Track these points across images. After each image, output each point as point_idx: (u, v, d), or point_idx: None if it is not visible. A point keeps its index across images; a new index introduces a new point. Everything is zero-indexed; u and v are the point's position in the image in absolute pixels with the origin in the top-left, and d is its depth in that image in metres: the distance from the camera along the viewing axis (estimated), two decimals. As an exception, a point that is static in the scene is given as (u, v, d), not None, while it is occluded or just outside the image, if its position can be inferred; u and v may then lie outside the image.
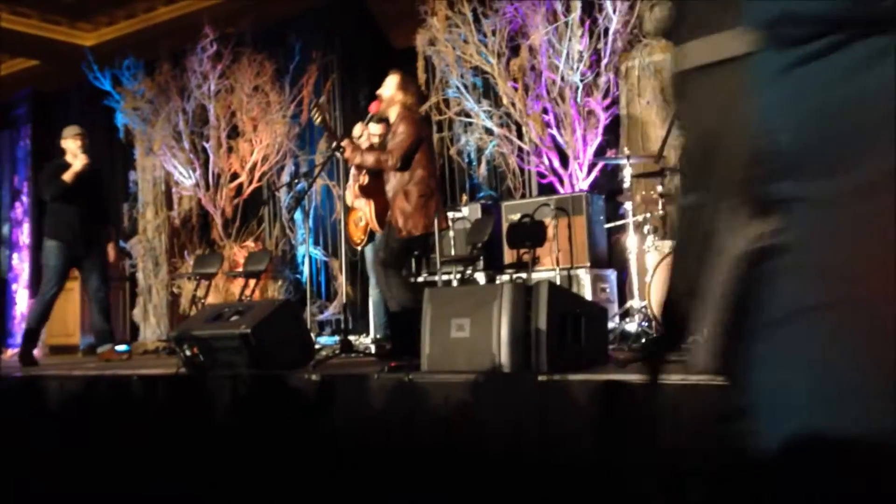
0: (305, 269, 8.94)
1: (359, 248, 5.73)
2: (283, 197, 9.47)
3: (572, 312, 3.56)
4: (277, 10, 9.34)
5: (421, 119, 5.09)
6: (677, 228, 3.89)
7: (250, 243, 9.35)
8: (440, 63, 7.78)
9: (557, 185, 7.28)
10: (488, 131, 7.75)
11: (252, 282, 7.42)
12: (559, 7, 7.17)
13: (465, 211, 7.22)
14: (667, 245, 5.54)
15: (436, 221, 4.96)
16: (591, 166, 7.17)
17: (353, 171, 5.22)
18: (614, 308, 6.49)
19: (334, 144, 5.23)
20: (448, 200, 8.09)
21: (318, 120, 5.19)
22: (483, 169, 7.97)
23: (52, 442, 4.57)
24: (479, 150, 7.92)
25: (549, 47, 7.21)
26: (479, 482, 3.12)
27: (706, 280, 1.36)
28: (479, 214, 7.06)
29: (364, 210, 5.50)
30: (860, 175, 1.03)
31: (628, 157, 6.18)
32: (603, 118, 7.19)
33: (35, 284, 11.48)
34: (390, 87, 5.07)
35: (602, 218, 6.82)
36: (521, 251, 6.23)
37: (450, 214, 6.13)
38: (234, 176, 9.37)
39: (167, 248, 9.67)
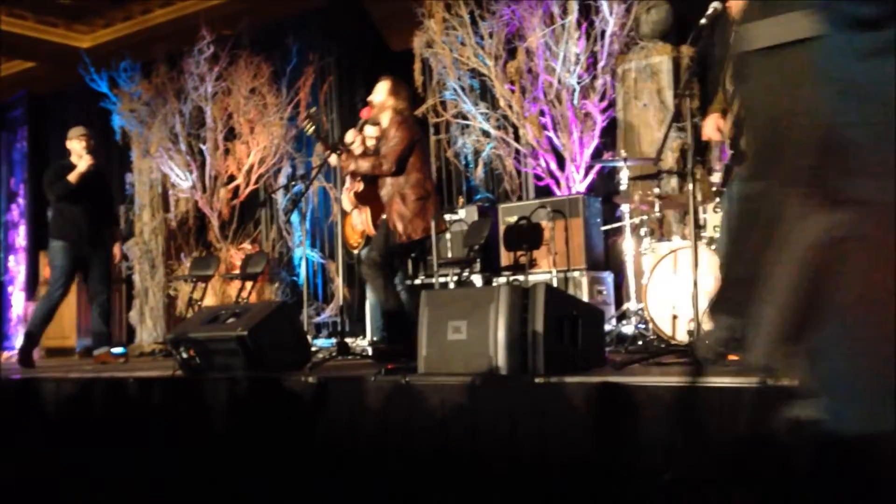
0: (302, 272, 8.93)
1: (355, 251, 5.73)
2: (280, 199, 9.47)
3: (569, 315, 3.55)
4: (274, 13, 9.35)
5: (413, 122, 5.10)
6: (734, 215, 3.87)
7: (247, 245, 9.34)
8: (437, 65, 7.78)
9: (554, 188, 7.28)
10: (485, 133, 7.75)
11: (249, 284, 7.41)
12: (556, 10, 7.18)
13: (461, 213, 7.22)
14: (663, 247, 5.54)
15: (433, 224, 4.96)
16: (588, 169, 7.18)
17: (347, 179, 5.22)
18: (611, 310, 6.50)
19: (327, 153, 5.24)
20: (445, 203, 8.09)
21: (311, 130, 5.23)
22: (480, 171, 7.97)
23: (48, 443, 4.57)
24: (476, 153, 7.92)
25: (546, 50, 7.22)
26: (476, 483, 3.12)
27: (770, 267, 1.33)
28: (475, 217, 7.06)
29: (360, 219, 5.50)
30: None
31: (625, 160, 6.18)
32: (600, 120, 7.19)
33: (31, 287, 11.47)
34: (381, 92, 5.09)
35: (599, 220, 6.82)
36: (518, 253, 6.23)
37: (447, 217, 6.13)
38: (231, 178, 9.36)
39: (164, 251, 9.66)
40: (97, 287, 6.71)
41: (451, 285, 6.41)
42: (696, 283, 3.74)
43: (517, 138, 7.55)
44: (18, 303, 11.82)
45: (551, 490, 2.93)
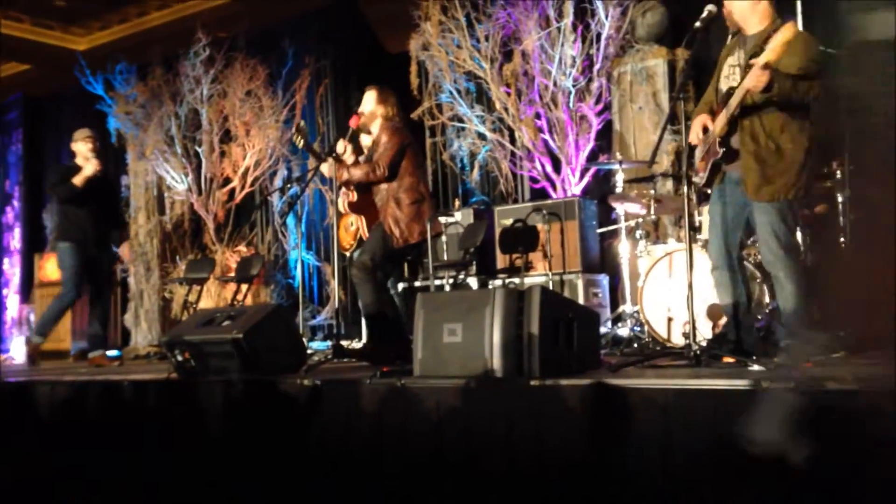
0: (298, 274, 8.93)
1: (348, 253, 5.73)
2: (276, 202, 9.47)
3: (564, 317, 3.55)
4: (270, 15, 9.34)
5: (403, 127, 5.14)
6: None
7: (242, 248, 9.33)
8: (433, 68, 7.79)
9: (550, 190, 7.29)
10: (481, 136, 7.76)
11: (244, 287, 7.41)
12: (552, 12, 7.18)
13: (457, 216, 7.22)
14: (658, 249, 5.55)
15: (429, 227, 4.97)
16: (584, 171, 7.19)
17: (342, 189, 5.25)
18: (606, 313, 6.50)
19: (317, 164, 5.28)
20: (441, 205, 8.09)
21: (301, 144, 5.28)
22: (476, 174, 7.97)
23: (44, 445, 4.55)
24: (472, 155, 7.93)
25: (542, 52, 7.23)
26: (471, 486, 3.12)
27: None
28: (471, 219, 7.06)
29: (354, 218, 5.51)
30: None
31: (620, 162, 6.20)
32: (595, 123, 7.20)
33: (26, 290, 11.44)
34: (369, 102, 5.15)
35: (594, 223, 6.83)
36: (514, 256, 6.23)
37: (442, 219, 6.13)
38: (227, 180, 9.35)
39: (159, 253, 9.64)
40: (99, 289, 6.71)
41: (447, 288, 6.41)
42: (691, 286, 3.75)
43: (513, 141, 7.55)
44: (13, 305, 11.80)
45: (547, 493, 2.93)
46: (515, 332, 3.40)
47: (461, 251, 6.60)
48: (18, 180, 12.21)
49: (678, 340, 5.01)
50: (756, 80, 3.51)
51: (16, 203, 12.21)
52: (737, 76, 3.81)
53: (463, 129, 7.85)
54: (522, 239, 6.18)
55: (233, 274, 8.04)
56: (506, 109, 7.42)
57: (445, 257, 6.99)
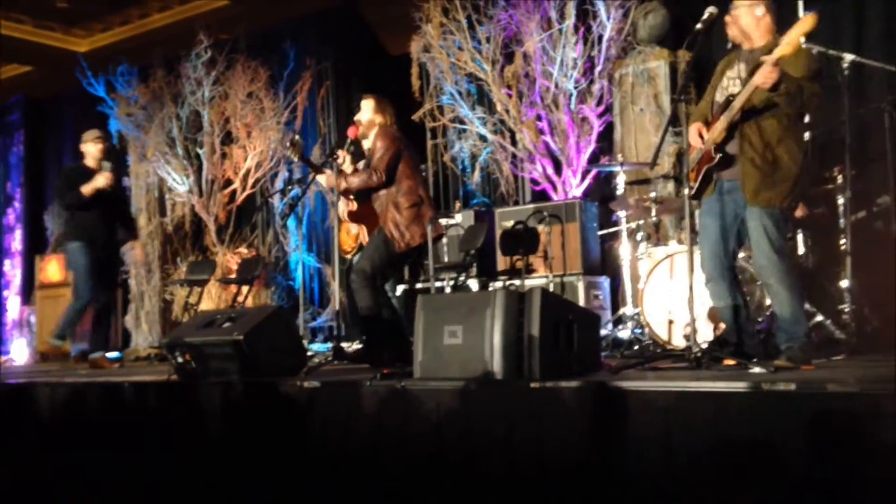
0: (298, 276, 8.93)
1: (348, 256, 5.73)
2: (277, 203, 9.46)
3: (565, 319, 3.55)
4: (272, 17, 9.35)
5: (397, 132, 5.17)
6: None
7: (243, 250, 9.33)
8: (434, 70, 7.78)
9: (551, 192, 7.29)
10: (482, 138, 7.75)
11: (245, 288, 7.41)
12: (553, 14, 7.18)
13: (458, 217, 7.22)
14: (659, 251, 5.55)
15: (430, 229, 4.98)
16: (585, 173, 7.18)
17: (340, 198, 5.27)
18: (607, 315, 6.50)
19: (313, 176, 5.33)
20: (441, 207, 8.09)
21: (297, 157, 5.32)
22: (477, 176, 7.97)
23: (44, 446, 4.55)
24: (473, 157, 7.93)
25: (543, 54, 7.22)
26: (472, 487, 3.11)
27: None
28: (472, 221, 7.05)
29: (359, 232, 5.53)
30: None
31: (621, 164, 6.19)
32: (596, 125, 7.20)
33: (27, 291, 11.44)
34: (367, 111, 5.20)
35: (595, 225, 6.82)
36: (515, 258, 6.22)
37: (443, 221, 6.13)
38: (228, 182, 9.35)
39: (160, 255, 9.64)
40: (103, 291, 6.70)
41: (448, 290, 6.41)
42: (691, 288, 3.74)
43: (514, 143, 7.55)
44: (14, 307, 11.80)
45: (547, 495, 2.92)
46: (516, 334, 3.40)
47: (462, 253, 6.60)
48: (19, 182, 12.22)
49: (679, 343, 5.00)
50: (766, 76, 3.50)
51: (17, 205, 12.21)
52: (737, 86, 3.80)
53: (464, 130, 7.85)
54: (523, 241, 6.17)
55: (234, 276, 8.04)
56: (507, 111, 7.42)
57: (446, 259, 6.98)
